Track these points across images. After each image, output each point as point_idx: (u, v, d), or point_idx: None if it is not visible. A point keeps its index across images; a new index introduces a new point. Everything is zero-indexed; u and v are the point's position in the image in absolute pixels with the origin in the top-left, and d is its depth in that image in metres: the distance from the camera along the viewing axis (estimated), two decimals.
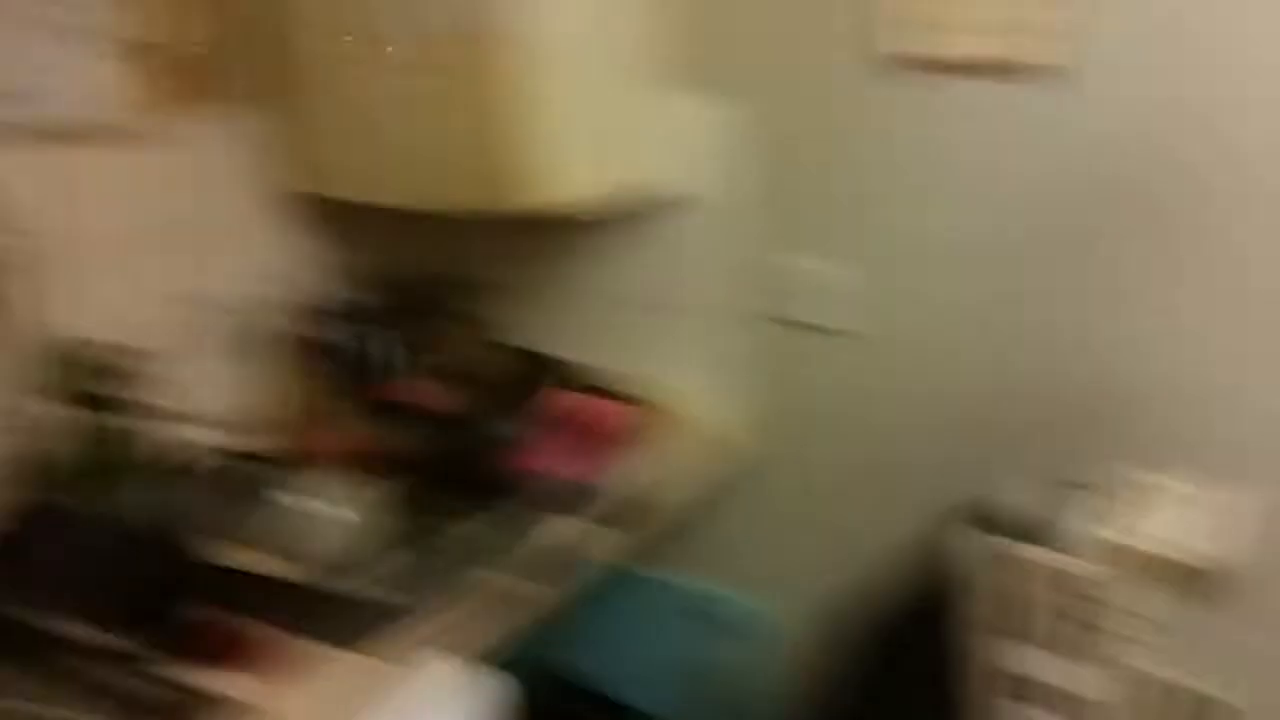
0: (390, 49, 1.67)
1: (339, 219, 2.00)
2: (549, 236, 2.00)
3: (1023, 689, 1.37)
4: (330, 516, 1.42)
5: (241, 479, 1.56)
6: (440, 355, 1.91)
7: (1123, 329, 1.63)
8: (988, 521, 1.59)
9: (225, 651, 1.22)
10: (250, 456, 1.66)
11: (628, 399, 1.83)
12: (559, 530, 1.52)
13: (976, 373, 1.75)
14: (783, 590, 2.00)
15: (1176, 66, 1.50)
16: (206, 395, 1.78)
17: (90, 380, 1.52)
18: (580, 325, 2.01)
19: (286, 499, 1.45)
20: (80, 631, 1.23)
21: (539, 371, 1.81)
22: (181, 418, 1.67)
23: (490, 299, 2.06)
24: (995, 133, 1.63)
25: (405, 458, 1.58)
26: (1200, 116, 1.50)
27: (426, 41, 1.62)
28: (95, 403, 1.53)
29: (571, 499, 1.57)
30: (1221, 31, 1.47)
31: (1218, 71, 1.48)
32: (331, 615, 1.29)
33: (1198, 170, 1.52)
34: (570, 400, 1.77)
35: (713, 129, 1.81)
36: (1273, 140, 1.47)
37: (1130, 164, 1.55)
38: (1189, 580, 1.24)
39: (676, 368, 1.93)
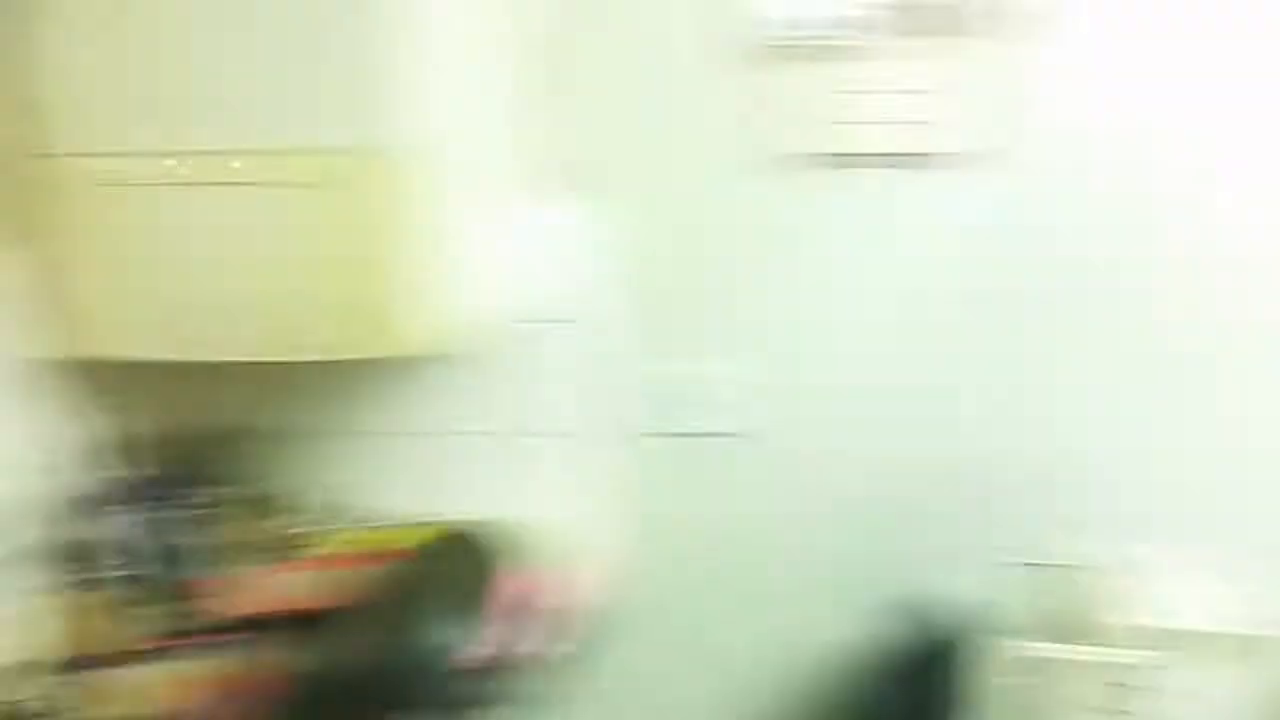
0: (175, 163, 1.31)
1: (108, 381, 1.56)
2: (374, 375, 1.68)
3: None
4: None
5: None
6: (271, 533, 1.53)
7: (1037, 407, 1.61)
8: (938, 621, 1.49)
9: None
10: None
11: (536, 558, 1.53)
12: None
13: (894, 463, 1.64)
14: None
15: (1088, 152, 1.52)
16: None
17: None
18: (429, 473, 1.67)
19: None
20: None
21: (466, 548, 1.45)
22: None
23: (306, 455, 1.69)
24: (899, 221, 1.58)
25: (291, 690, 1.21)
26: (1107, 199, 1.54)
27: (241, 156, 1.29)
28: None
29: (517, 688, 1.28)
30: (1128, 122, 1.52)
31: (1124, 156, 1.52)
32: None
33: (1103, 252, 1.56)
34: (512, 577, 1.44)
35: (586, 239, 1.60)
36: (1173, 218, 1.54)
37: (1035, 248, 1.56)
38: (1244, 651, 1.19)
39: (549, 502, 1.65)
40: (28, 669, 1.32)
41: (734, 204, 1.60)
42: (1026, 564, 1.45)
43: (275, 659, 1.27)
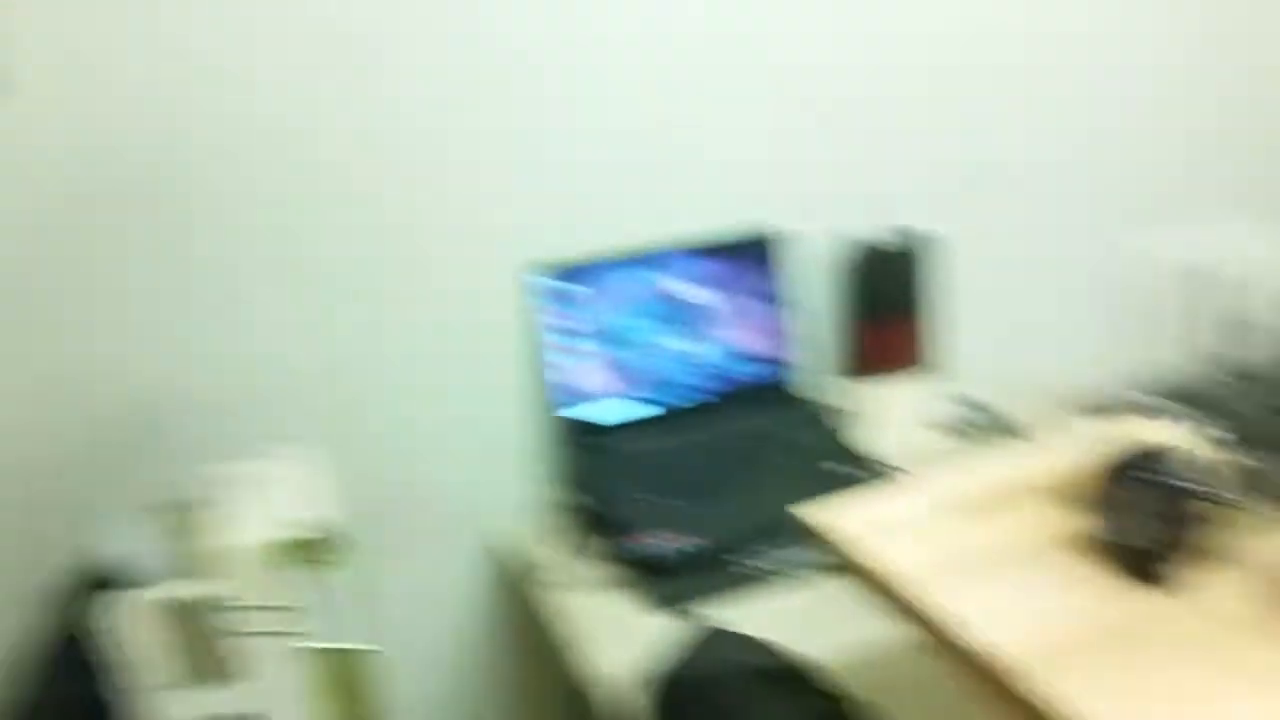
0: None
1: None
2: None
3: None
4: None
5: None
6: None
7: (155, 332, 1.50)
8: (95, 580, 1.38)
9: None
10: None
11: None
12: None
13: (20, 431, 1.48)
14: None
15: (126, 68, 1.38)
16: None
17: None
18: None
19: None
20: None
21: None
22: None
23: None
24: None
25: None
26: (166, 116, 1.42)
27: None
28: None
29: None
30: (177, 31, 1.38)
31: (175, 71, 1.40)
32: None
33: (166, 168, 1.44)
34: None
35: None
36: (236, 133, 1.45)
37: (102, 169, 1.40)
38: (311, 552, 1.18)
39: None
40: None
41: None
42: (155, 506, 1.35)
43: None
